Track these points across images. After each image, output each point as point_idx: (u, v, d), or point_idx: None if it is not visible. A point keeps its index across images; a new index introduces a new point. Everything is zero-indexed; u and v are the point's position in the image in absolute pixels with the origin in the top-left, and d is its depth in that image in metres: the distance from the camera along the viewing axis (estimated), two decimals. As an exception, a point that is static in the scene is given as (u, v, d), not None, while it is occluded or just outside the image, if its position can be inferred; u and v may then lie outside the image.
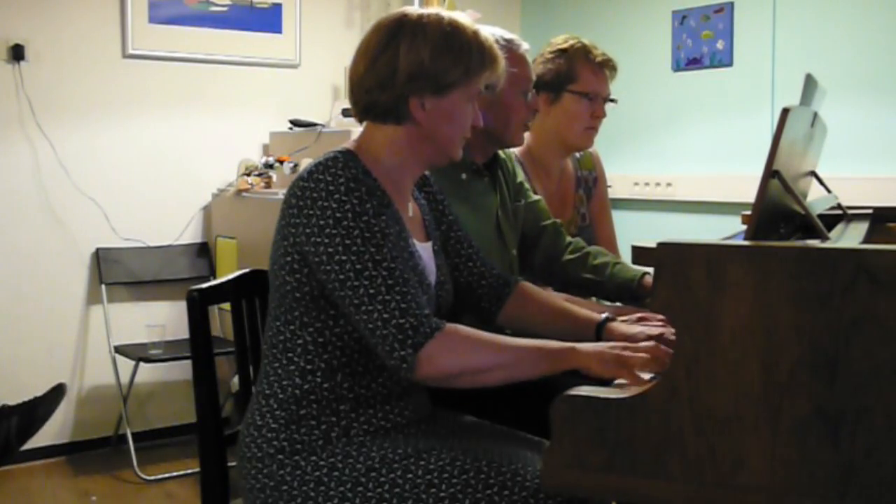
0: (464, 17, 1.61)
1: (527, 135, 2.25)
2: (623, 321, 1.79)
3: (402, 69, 1.54)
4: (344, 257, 1.46)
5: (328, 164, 1.51)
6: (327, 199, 1.48)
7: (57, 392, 3.60)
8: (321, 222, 1.47)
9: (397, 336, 1.43)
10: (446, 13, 1.60)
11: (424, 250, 1.65)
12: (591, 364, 1.46)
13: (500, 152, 2.17)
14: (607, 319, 1.77)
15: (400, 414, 1.59)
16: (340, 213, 1.47)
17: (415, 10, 1.61)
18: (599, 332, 1.75)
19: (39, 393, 3.60)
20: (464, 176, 2.01)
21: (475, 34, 1.59)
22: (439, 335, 1.44)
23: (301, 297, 1.53)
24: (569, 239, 2.26)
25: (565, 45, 2.34)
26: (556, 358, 1.47)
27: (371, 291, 1.44)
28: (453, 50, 1.55)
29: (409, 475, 1.48)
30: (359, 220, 1.47)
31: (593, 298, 2.26)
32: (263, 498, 1.53)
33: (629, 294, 2.14)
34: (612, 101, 2.40)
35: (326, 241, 1.47)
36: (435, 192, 1.79)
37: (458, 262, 1.79)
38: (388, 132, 1.60)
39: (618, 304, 2.19)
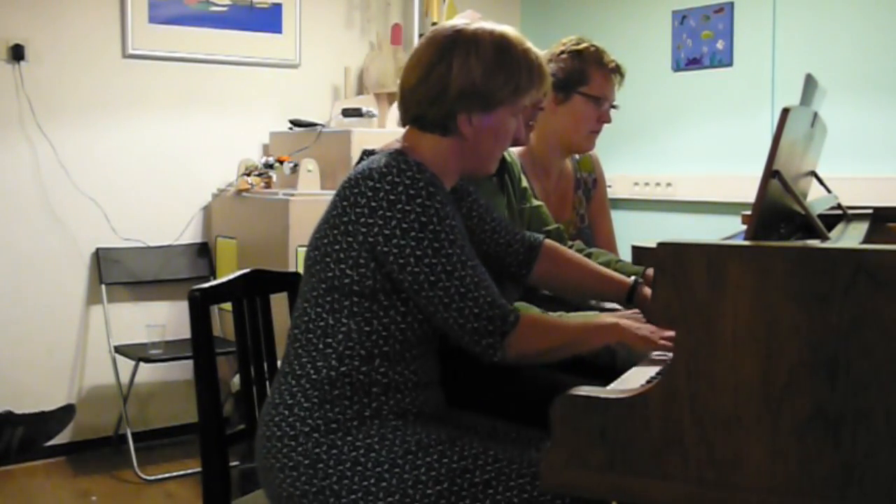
0: (514, 33, 1.65)
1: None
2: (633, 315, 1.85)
3: (454, 86, 1.59)
4: (434, 260, 1.52)
5: (401, 167, 1.54)
6: (409, 203, 1.52)
7: (66, 412, 3.61)
8: (404, 225, 1.52)
9: (487, 327, 1.53)
10: (499, 28, 1.64)
11: None
12: (632, 338, 1.62)
13: (507, 156, 2.18)
14: (637, 282, 1.88)
15: (425, 402, 1.63)
16: (426, 216, 1.52)
17: (468, 24, 1.64)
18: (631, 293, 1.87)
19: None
20: None
21: (525, 52, 1.64)
22: (520, 323, 1.55)
23: (361, 289, 1.56)
24: (570, 243, 2.27)
25: (579, 48, 2.34)
26: (605, 333, 1.63)
27: (462, 290, 1.52)
28: (504, 68, 1.60)
29: (445, 460, 1.52)
30: (443, 223, 1.53)
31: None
32: (296, 476, 1.54)
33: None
34: (614, 107, 2.41)
35: (413, 244, 1.52)
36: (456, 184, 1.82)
37: (484, 235, 1.84)
38: (432, 141, 1.64)
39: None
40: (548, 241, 1.92)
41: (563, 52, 2.35)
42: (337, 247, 1.57)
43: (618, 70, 2.37)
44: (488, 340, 1.53)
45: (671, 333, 1.57)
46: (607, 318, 1.69)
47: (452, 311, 1.52)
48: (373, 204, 1.53)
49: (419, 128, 1.65)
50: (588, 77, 2.33)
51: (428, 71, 1.61)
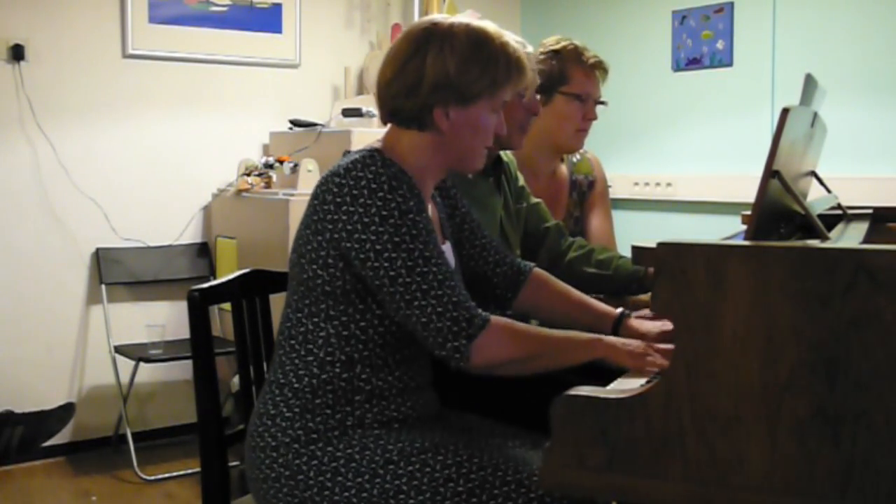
0: (493, 27, 1.62)
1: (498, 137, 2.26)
2: (638, 317, 1.82)
3: (428, 78, 1.56)
4: (394, 254, 1.48)
5: (366, 161, 1.52)
6: (371, 197, 1.49)
7: (66, 411, 3.62)
8: (366, 219, 1.49)
9: (451, 328, 1.46)
10: (476, 22, 1.61)
11: (446, 250, 1.68)
12: (618, 355, 1.53)
13: (504, 156, 2.17)
14: (624, 314, 1.81)
15: (412, 407, 1.61)
16: (387, 210, 1.49)
17: (445, 18, 1.62)
18: (617, 326, 1.79)
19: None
20: (469, 175, 2.02)
21: (503, 45, 1.60)
22: (489, 326, 1.48)
23: (332, 290, 1.54)
24: (571, 239, 2.26)
25: (557, 47, 2.33)
26: (588, 347, 1.55)
27: (424, 287, 1.47)
28: (480, 61, 1.57)
29: (428, 469, 1.50)
30: (405, 217, 1.49)
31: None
32: (278, 487, 1.53)
33: (636, 284, 2.15)
34: (602, 103, 2.39)
35: (373, 238, 1.48)
36: (448, 187, 1.81)
37: (473, 252, 1.81)
38: (412, 137, 1.61)
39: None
40: (537, 269, 1.87)
41: (541, 54, 2.33)
42: (309, 247, 1.56)
43: (598, 65, 2.35)
44: (453, 343, 1.46)
45: (660, 358, 1.53)
46: (591, 334, 1.59)
47: (414, 309, 1.47)
48: (338, 200, 1.51)
49: (397, 123, 1.62)
50: (568, 76, 2.32)
51: (403, 64, 1.58)
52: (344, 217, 1.50)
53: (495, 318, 1.51)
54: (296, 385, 1.56)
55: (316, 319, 1.56)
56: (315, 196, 1.56)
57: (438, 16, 1.64)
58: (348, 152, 1.67)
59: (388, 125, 1.66)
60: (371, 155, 1.54)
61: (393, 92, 1.60)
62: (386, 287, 1.49)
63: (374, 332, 1.55)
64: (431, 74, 1.55)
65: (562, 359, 1.55)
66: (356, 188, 1.50)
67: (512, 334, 1.52)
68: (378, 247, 1.48)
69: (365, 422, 1.56)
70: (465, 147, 1.61)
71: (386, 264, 1.48)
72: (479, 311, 1.50)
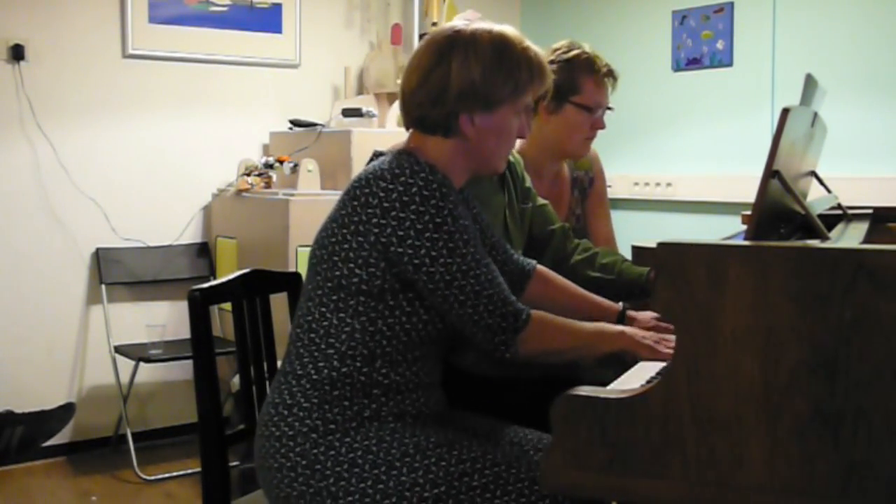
0: (513, 31, 1.65)
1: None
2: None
3: (454, 86, 1.59)
4: (449, 260, 1.54)
5: (414, 168, 1.55)
6: (423, 205, 1.53)
7: (66, 411, 3.62)
8: (419, 226, 1.53)
9: (500, 324, 1.56)
10: (497, 28, 1.65)
11: None
12: (639, 347, 1.65)
13: (511, 156, 2.16)
14: (626, 307, 1.91)
15: (425, 403, 1.64)
16: (440, 218, 1.54)
17: (467, 25, 1.64)
18: (621, 319, 1.89)
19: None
20: None
21: (524, 50, 1.64)
22: (532, 321, 1.58)
23: (368, 289, 1.57)
24: (577, 241, 2.26)
25: (570, 56, 2.30)
26: (614, 339, 1.66)
27: (477, 288, 1.55)
28: (504, 67, 1.61)
29: (443, 463, 1.53)
30: (457, 223, 1.55)
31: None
32: (293, 476, 1.54)
33: (639, 289, 2.15)
34: (609, 109, 2.38)
35: (428, 244, 1.53)
36: (461, 189, 1.81)
37: (485, 250, 1.82)
38: (436, 142, 1.64)
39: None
40: (539, 266, 1.92)
41: (552, 62, 2.30)
42: (346, 246, 1.57)
43: (610, 74, 2.34)
44: (501, 337, 1.55)
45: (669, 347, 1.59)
46: (616, 326, 1.71)
47: (468, 309, 1.54)
48: (385, 205, 1.54)
49: (422, 130, 1.65)
50: (579, 86, 2.29)
51: (427, 73, 1.61)
52: (394, 223, 1.53)
53: (535, 312, 1.59)
54: (314, 377, 1.58)
55: (342, 315, 1.58)
56: (354, 197, 1.57)
57: (459, 22, 1.67)
58: (379, 153, 1.68)
59: (410, 130, 1.68)
60: (416, 161, 1.57)
61: (418, 100, 1.62)
62: (440, 290, 1.54)
63: (399, 329, 1.58)
64: (457, 82, 1.59)
65: (592, 350, 1.66)
66: (406, 195, 1.53)
67: (551, 329, 1.61)
68: (433, 253, 1.53)
69: (381, 415, 1.58)
70: (489, 151, 1.66)
71: (442, 269, 1.53)
72: (521, 305, 1.58)
